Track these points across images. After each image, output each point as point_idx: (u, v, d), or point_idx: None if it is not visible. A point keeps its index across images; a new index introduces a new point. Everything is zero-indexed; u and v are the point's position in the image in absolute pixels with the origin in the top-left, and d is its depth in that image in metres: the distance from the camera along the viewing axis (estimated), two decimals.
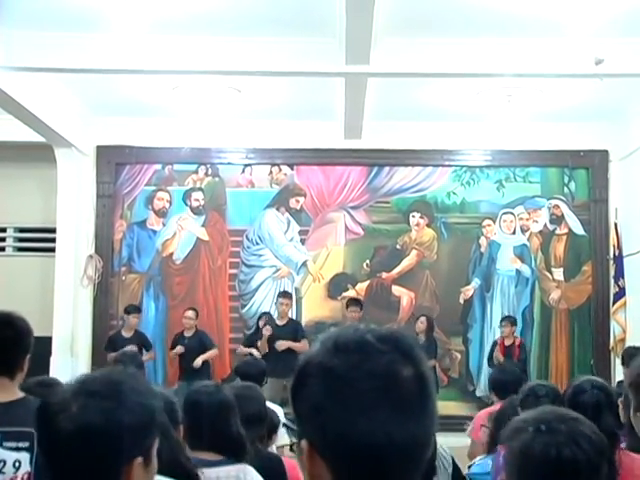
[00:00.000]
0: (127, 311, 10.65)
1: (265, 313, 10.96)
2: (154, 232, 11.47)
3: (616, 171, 11.26)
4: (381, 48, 8.01)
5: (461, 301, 11.38)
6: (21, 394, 3.25)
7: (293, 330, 10.46)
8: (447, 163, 11.48)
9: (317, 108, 10.47)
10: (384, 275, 11.43)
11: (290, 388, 1.31)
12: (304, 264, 11.45)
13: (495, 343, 10.61)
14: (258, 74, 8.78)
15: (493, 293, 11.41)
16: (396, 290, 11.39)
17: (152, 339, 10.90)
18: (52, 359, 10.40)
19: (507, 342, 10.45)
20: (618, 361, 9.89)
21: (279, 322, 10.53)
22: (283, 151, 11.40)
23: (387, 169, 11.52)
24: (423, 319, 10.55)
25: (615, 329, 10.81)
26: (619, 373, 7.78)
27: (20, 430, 3.11)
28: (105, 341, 10.65)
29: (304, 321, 11.11)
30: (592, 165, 11.34)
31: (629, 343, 9.93)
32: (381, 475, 1.24)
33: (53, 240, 11.04)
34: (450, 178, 11.49)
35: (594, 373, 10.75)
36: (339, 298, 11.33)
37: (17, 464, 3.11)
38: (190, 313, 10.64)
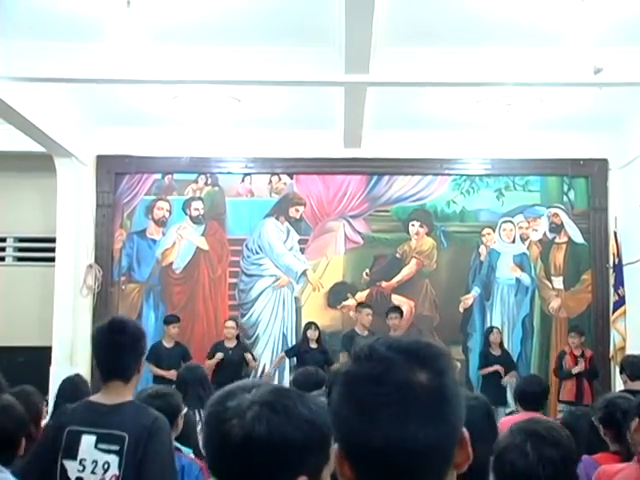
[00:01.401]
0: (167, 322, 10.61)
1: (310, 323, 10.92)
2: (154, 241, 11.47)
3: (615, 180, 11.27)
4: (380, 57, 8.02)
5: (461, 310, 11.38)
6: (129, 398, 3.36)
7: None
8: (447, 172, 11.49)
9: (317, 117, 10.48)
10: (384, 284, 11.43)
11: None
12: (304, 273, 11.45)
13: (564, 353, 10.53)
14: (258, 83, 8.80)
15: (493, 302, 11.41)
16: (396, 299, 11.39)
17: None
18: (52, 369, 10.38)
19: (577, 352, 10.40)
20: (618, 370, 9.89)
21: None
22: (283, 160, 11.41)
23: (387, 178, 11.53)
24: None
25: (615, 338, 10.80)
26: (619, 382, 7.76)
27: (113, 433, 3.20)
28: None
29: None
30: (591, 174, 11.35)
31: (629, 352, 9.91)
32: (398, 479, 1.30)
33: (53, 250, 11.03)
34: (450, 187, 11.50)
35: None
36: (339, 307, 11.33)
37: (106, 466, 3.20)
38: (231, 323, 10.71)
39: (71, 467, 3.21)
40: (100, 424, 3.22)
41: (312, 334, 10.50)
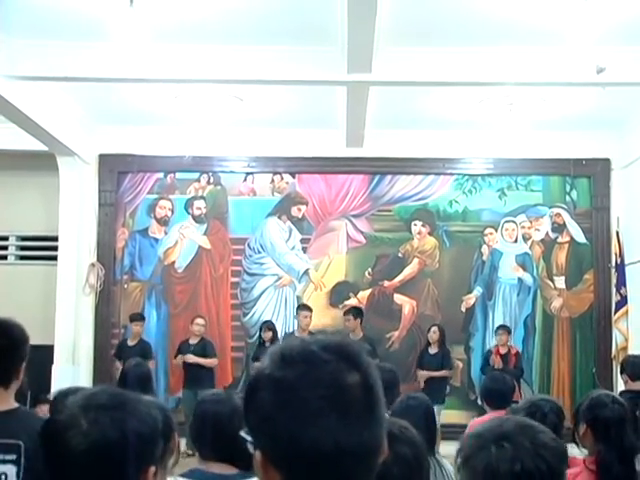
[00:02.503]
0: (131, 319, 10.70)
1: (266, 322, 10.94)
2: (156, 240, 11.48)
3: (618, 179, 11.26)
4: (383, 57, 8.02)
5: (463, 309, 11.38)
6: (15, 404, 3.19)
7: None
8: (449, 171, 11.48)
9: (319, 116, 10.48)
10: (386, 283, 11.43)
11: (242, 401, 1.34)
12: (306, 272, 11.45)
13: (490, 352, 10.66)
14: (260, 83, 8.80)
15: (495, 301, 11.40)
16: (398, 298, 11.39)
17: (154, 347, 10.91)
18: (54, 367, 10.40)
19: (502, 350, 10.50)
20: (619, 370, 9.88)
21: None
22: (285, 159, 11.41)
23: (389, 177, 11.52)
24: (435, 329, 10.59)
25: (617, 337, 10.80)
26: (621, 382, 7.75)
27: (7, 442, 3.05)
28: (113, 348, 10.77)
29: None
30: (594, 173, 11.34)
31: (631, 351, 9.90)
32: None
33: (55, 248, 11.05)
34: (452, 186, 11.50)
35: (596, 382, 10.77)
36: (341, 306, 11.32)
37: (3, 477, 3.05)
38: (200, 320, 10.74)
39: None
40: None
41: (266, 335, 10.51)
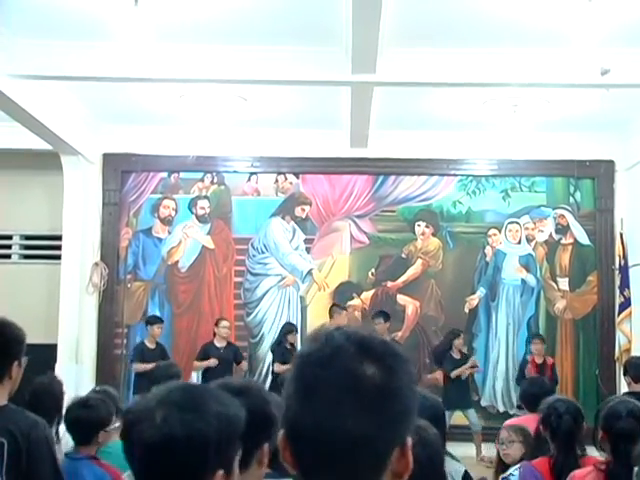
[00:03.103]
0: (151, 322, 10.54)
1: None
2: (160, 240, 11.49)
3: (622, 181, 11.25)
4: (387, 57, 8.02)
5: (466, 310, 11.37)
6: (3, 402, 3.20)
7: None
8: (453, 172, 11.48)
9: (323, 117, 10.48)
10: (389, 284, 11.43)
11: None
12: (309, 273, 11.46)
13: (526, 362, 10.58)
14: (264, 83, 8.80)
15: (498, 302, 11.40)
16: (401, 299, 11.39)
17: None
18: (57, 366, 10.39)
19: (538, 360, 10.44)
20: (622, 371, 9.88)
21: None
22: (289, 160, 11.41)
23: (393, 178, 11.53)
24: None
25: (620, 339, 10.79)
26: (624, 384, 7.74)
27: None
28: (117, 348, 10.74)
29: (309, 330, 11.09)
30: (598, 175, 11.34)
31: (634, 353, 9.91)
32: (329, 467, 1.28)
33: (59, 247, 11.06)
34: (456, 187, 11.50)
35: (599, 383, 10.77)
36: (344, 307, 11.32)
37: None
38: (226, 323, 10.64)
39: None
40: None
41: (292, 338, 10.49)
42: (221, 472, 1.75)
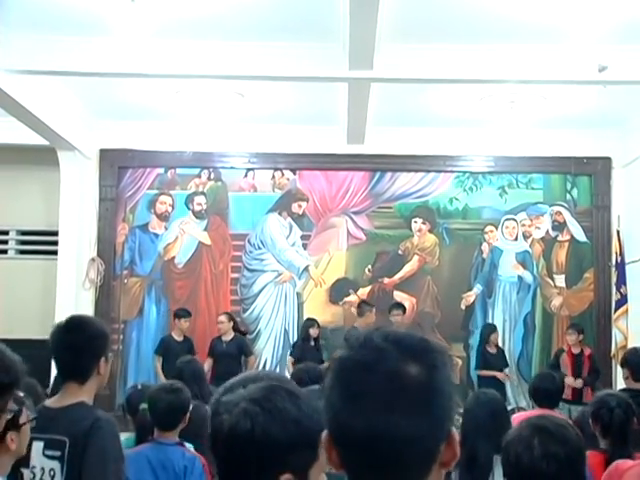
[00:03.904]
0: (179, 315, 10.49)
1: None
2: (156, 236, 11.48)
3: (619, 178, 11.26)
4: (384, 53, 8.01)
5: (463, 307, 11.38)
6: (80, 399, 3.23)
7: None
8: (450, 169, 11.48)
9: (320, 113, 10.47)
10: (386, 280, 11.43)
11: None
12: (306, 269, 11.46)
13: (562, 350, 10.32)
14: (261, 79, 8.79)
15: (495, 299, 11.40)
16: (398, 295, 11.39)
17: (153, 343, 10.93)
18: (53, 362, 10.38)
19: (575, 350, 10.14)
20: (620, 368, 9.86)
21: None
22: (286, 156, 11.41)
23: (389, 174, 11.52)
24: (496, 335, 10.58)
25: (617, 336, 10.79)
26: (620, 380, 7.74)
27: (56, 438, 3.09)
28: (115, 343, 10.70)
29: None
30: (595, 172, 11.34)
31: None
32: (380, 468, 1.31)
33: (55, 243, 11.04)
34: (453, 184, 11.50)
35: None
36: (341, 303, 11.33)
37: (52, 473, 3.10)
38: (222, 317, 10.58)
39: (26, 475, 3.10)
40: (47, 429, 3.05)
41: (314, 332, 10.48)
42: (288, 476, 1.73)
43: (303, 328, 10.68)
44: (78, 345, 3.27)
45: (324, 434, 1.37)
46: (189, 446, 4.38)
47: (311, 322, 10.67)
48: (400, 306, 10.67)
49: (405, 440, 1.30)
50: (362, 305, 10.69)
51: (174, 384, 4.51)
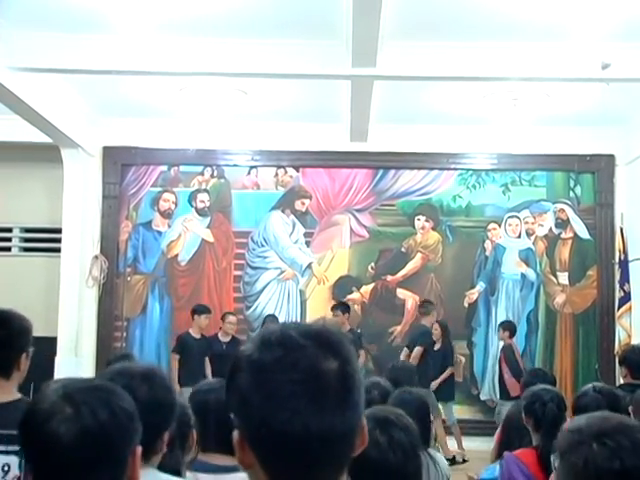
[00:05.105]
0: (200, 311, 10.31)
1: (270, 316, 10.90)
2: (159, 233, 11.49)
3: (622, 176, 11.25)
4: (387, 51, 8.01)
5: (466, 305, 11.38)
6: (17, 395, 3.20)
7: None
8: (453, 166, 11.48)
9: (323, 110, 10.47)
10: (389, 278, 11.43)
11: (225, 382, 1.39)
12: (309, 266, 11.46)
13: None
14: (264, 76, 8.80)
15: (498, 297, 11.40)
16: (401, 293, 11.39)
17: (157, 340, 10.95)
18: (57, 359, 10.42)
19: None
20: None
21: None
22: (289, 153, 11.41)
23: (393, 172, 11.52)
24: (436, 325, 10.47)
25: (620, 334, 10.79)
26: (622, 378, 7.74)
27: (9, 433, 3.01)
28: (117, 340, 10.70)
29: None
30: (598, 169, 11.33)
31: None
32: (302, 464, 1.31)
33: (59, 240, 11.06)
34: (456, 181, 11.49)
35: (599, 378, 10.75)
36: (343, 300, 11.33)
37: (6, 468, 3.08)
38: (233, 319, 10.48)
39: None
40: None
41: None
42: (140, 448, 1.76)
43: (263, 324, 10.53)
44: (2, 340, 3.20)
45: (234, 434, 1.34)
46: None
47: (269, 317, 10.66)
48: (340, 306, 10.61)
49: (337, 437, 1.30)
50: (426, 304, 10.66)
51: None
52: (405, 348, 10.33)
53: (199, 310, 10.37)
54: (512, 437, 4.59)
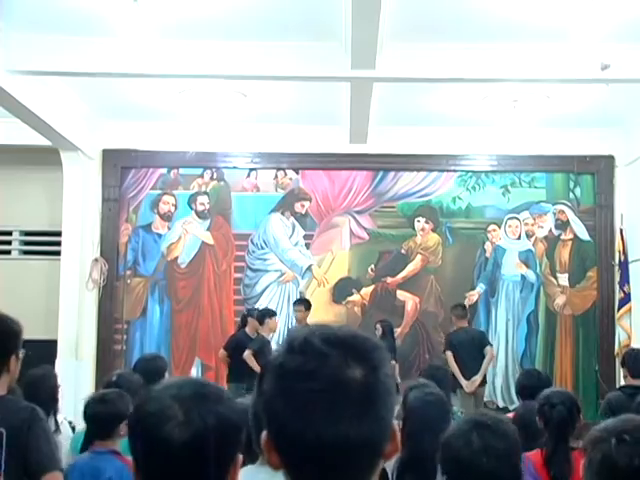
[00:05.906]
0: (270, 314, 10.12)
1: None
2: (159, 236, 11.48)
3: (622, 177, 11.25)
4: (387, 53, 8.02)
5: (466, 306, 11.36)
6: (2, 393, 3.24)
7: None
8: (452, 168, 11.48)
9: (323, 113, 10.47)
10: (389, 280, 11.43)
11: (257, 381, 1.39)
12: (309, 268, 11.46)
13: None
14: (264, 78, 8.80)
15: (498, 298, 11.40)
16: (401, 295, 11.39)
17: (157, 343, 10.95)
18: (57, 362, 10.38)
19: None
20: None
21: None
22: (288, 155, 11.41)
23: (392, 174, 11.52)
24: (378, 326, 10.38)
25: (620, 335, 10.79)
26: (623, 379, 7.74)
27: None
28: (117, 343, 10.67)
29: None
30: (598, 171, 11.34)
31: None
32: (318, 470, 1.30)
33: (59, 243, 11.05)
34: (455, 183, 11.49)
35: (599, 379, 10.77)
36: (344, 303, 11.33)
37: None
38: (277, 318, 10.36)
39: None
40: None
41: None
42: (241, 456, 1.78)
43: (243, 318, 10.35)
44: None
45: (263, 435, 1.35)
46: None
47: (270, 313, 10.54)
48: (302, 302, 10.55)
49: (354, 448, 1.28)
50: (461, 308, 10.46)
51: (107, 394, 4.46)
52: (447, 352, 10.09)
53: (270, 313, 10.20)
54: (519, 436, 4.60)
